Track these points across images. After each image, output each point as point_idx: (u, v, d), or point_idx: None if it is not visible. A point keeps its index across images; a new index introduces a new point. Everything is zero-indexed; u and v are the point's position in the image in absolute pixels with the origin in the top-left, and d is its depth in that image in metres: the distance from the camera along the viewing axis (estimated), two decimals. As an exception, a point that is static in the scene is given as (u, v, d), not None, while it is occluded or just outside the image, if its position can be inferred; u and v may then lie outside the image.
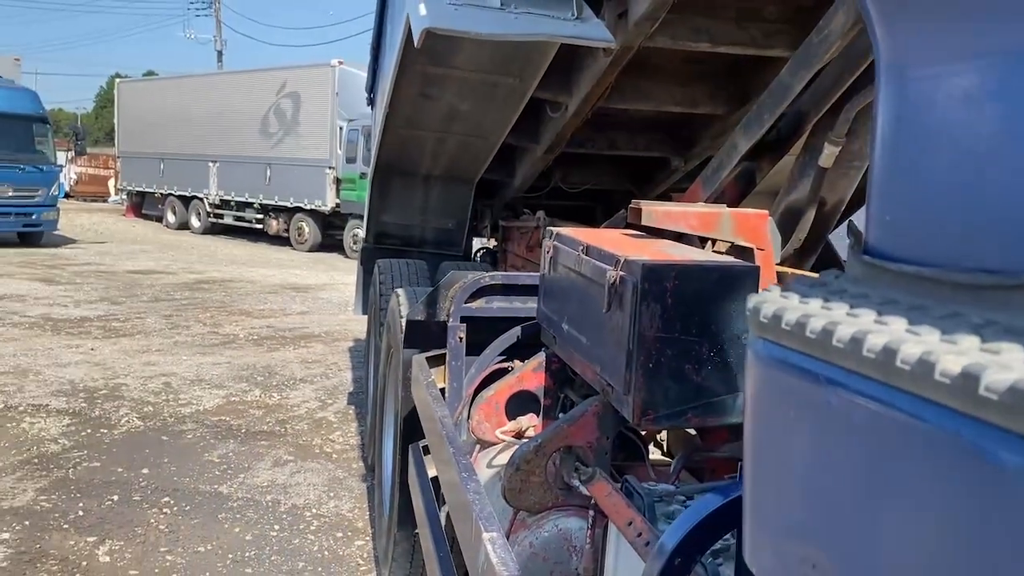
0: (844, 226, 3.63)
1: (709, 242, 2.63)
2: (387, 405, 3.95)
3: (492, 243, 6.55)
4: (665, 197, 5.72)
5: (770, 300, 0.58)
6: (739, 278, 1.94)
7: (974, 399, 0.38)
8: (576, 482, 2.09)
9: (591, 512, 1.96)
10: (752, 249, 2.50)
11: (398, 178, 5.94)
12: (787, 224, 3.13)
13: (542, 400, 2.63)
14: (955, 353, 0.40)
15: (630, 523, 1.62)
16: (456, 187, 5.88)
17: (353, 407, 6.89)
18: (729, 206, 3.24)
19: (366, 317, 6.80)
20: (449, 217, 6.07)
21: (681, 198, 3.51)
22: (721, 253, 2.62)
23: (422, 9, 3.19)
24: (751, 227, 2.51)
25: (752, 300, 0.62)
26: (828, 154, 2.98)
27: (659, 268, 1.90)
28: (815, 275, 0.67)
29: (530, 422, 2.61)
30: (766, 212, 2.56)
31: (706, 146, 5.21)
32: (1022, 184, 0.46)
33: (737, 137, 3.14)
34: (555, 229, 2.60)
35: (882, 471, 0.46)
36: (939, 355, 0.41)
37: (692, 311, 1.92)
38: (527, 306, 2.98)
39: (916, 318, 0.47)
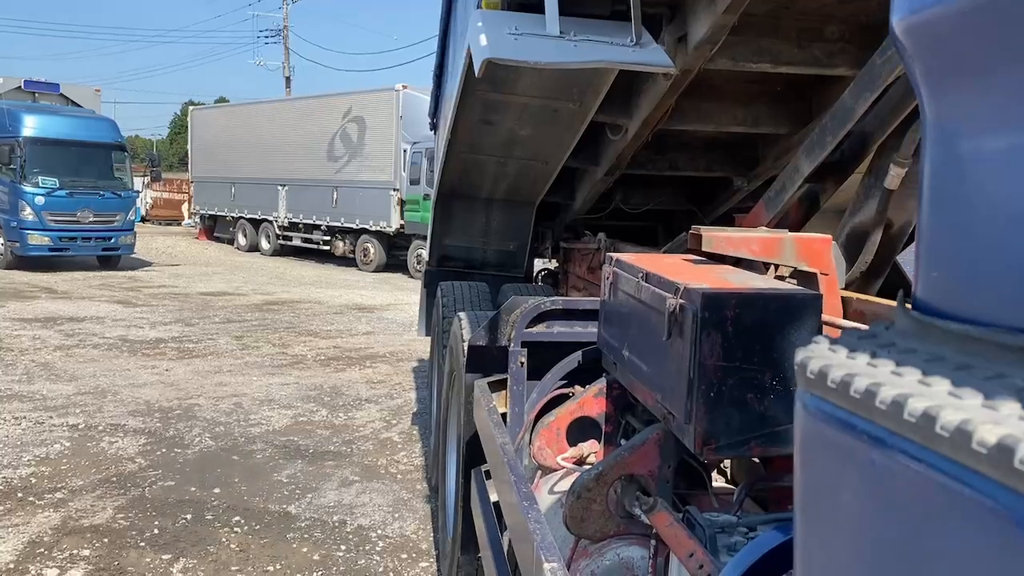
0: (911, 248, 3.55)
1: (772, 267, 2.61)
2: (450, 428, 3.99)
3: (553, 264, 6.58)
4: (728, 217, 5.67)
5: (817, 355, 0.59)
6: (801, 306, 1.92)
7: (1010, 470, 0.39)
8: (638, 511, 2.09)
9: (652, 542, 1.96)
10: (816, 274, 2.47)
11: (460, 201, 6.02)
12: (853, 247, 3.08)
13: (603, 426, 2.64)
14: (993, 422, 0.41)
15: (691, 554, 1.62)
16: (517, 210, 5.94)
17: (417, 427, 6.97)
18: (793, 228, 3.22)
19: (429, 338, 6.90)
20: (510, 240, 6.12)
21: (743, 220, 3.48)
22: (783, 278, 2.60)
23: (483, 39, 3.25)
24: (814, 252, 2.48)
25: (800, 354, 0.62)
26: (894, 175, 2.92)
27: (719, 296, 1.90)
28: (865, 327, 0.68)
29: (591, 448, 2.62)
30: (829, 237, 2.53)
31: (769, 166, 5.16)
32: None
33: (800, 159, 3.11)
34: (615, 255, 2.61)
35: (924, 533, 0.47)
36: (977, 424, 0.42)
37: (753, 339, 1.91)
38: (588, 331, 2.99)
39: (960, 379, 0.47)
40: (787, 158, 5.01)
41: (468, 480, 3.15)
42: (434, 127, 7.78)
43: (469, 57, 3.59)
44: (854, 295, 2.59)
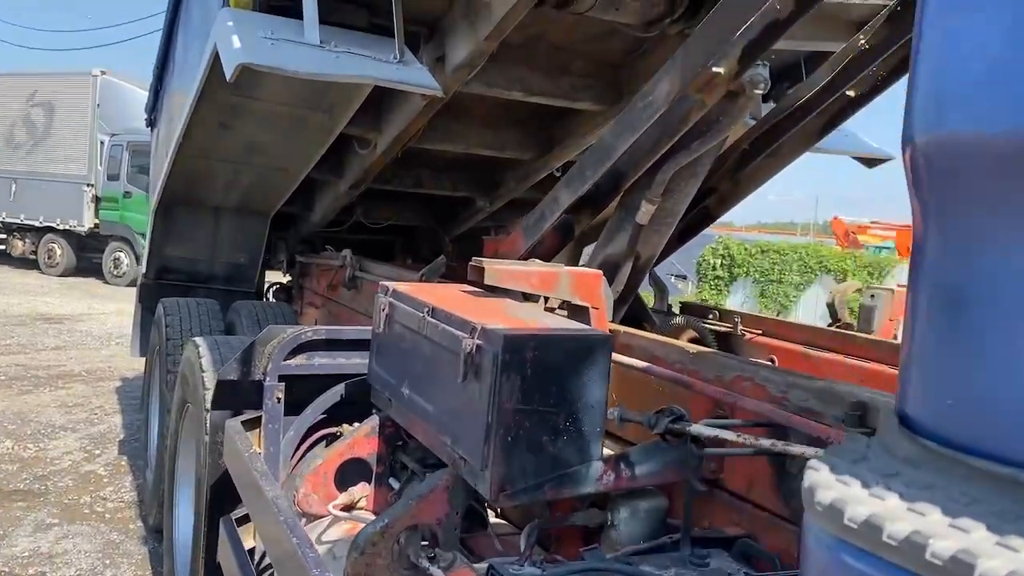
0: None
1: (542, 298, 2.63)
2: (181, 468, 3.59)
3: (287, 279, 6.24)
4: (471, 236, 5.74)
5: (826, 486, 0.54)
6: (595, 346, 1.93)
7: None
8: (424, 562, 1.98)
9: (447, 595, 1.86)
10: (587, 308, 2.53)
11: (185, 208, 5.51)
12: (605, 277, 3.22)
13: (374, 468, 2.50)
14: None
15: (504, 615, 1.54)
16: (250, 220, 5.55)
17: (126, 457, 6.26)
18: (546, 256, 3.29)
19: (141, 357, 6.23)
20: (241, 251, 5.71)
21: (501, 244, 3.50)
22: (553, 310, 2.63)
23: (236, 41, 2.97)
24: (587, 286, 2.53)
25: (808, 479, 0.57)
26: (645, 211, 3.10)
27: (519, 338, 1.85)
28: (865, 439, 0.64)
29: (362, 492, 2.46)
30: (600, 272, 2.60)
31: (511, 188, 5.30)
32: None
33: (560, 191, 3.19)
34: (390, 284, 2.49)
35: None
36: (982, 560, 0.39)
37: (550, 381, 1.88)
38: (352, 362, 2.83)
39: (994, 524, 0.45)
40: (528, 182, 5.19)
41: (214, 528, 2.83)
42: (151, 124, 7.06)
43: (215, 57, 3.26)
44: (621, 328, 2.69)
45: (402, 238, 6.48)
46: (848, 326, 3.21)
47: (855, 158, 3.93)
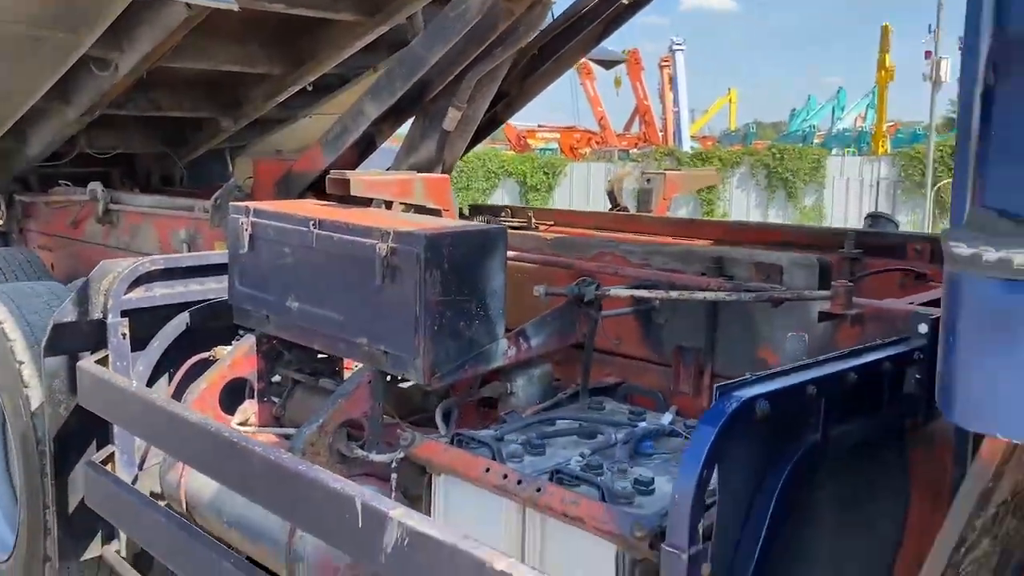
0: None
1: (394, 205, 2.79)
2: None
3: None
4: (218, 157, 5.51)
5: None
6: (495, 239, 2.18)
7: None
8: (360, 452, 2.15)
9: (394, 476, 2.05)
10: (440, 210, 2.74)
11: None
12: (415, 184, 3.41)
13: (256, 384, 2.54)
14: None
15: (487, 469, 1.79)
16: (-51, 159, 4.84)
17: None
18: (346, 168, 3.40)
19: None
20: (-61, 195, 4.97)
21: (301, 162, 3.53)
22: (408, 211, 2.79)
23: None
24: (438, 190, 2.74)
25: (958, 252, 0.88)
26: (452, 118, 3.31)
27: (438, 237, 2.05)
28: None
29: (252, 409, 2.51)
30: (447, 176, 2.81)
31: (258, 106, 5.14)
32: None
33: (364, 104, 3.28)
34: (248, 205, 2.49)
35: None
36: None
37: (464, 273, 2.11)
38: (193, 289, 2.79)
39: None
40: (275, 99, 5.08)
41: (64, 479, 2.67)
42: None
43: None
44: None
45: (120, 167, 5.99)
46: (625, 209, 3.73)
47: (594, 61, 4.41)
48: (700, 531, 1.27)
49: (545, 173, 22.45)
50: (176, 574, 2.37)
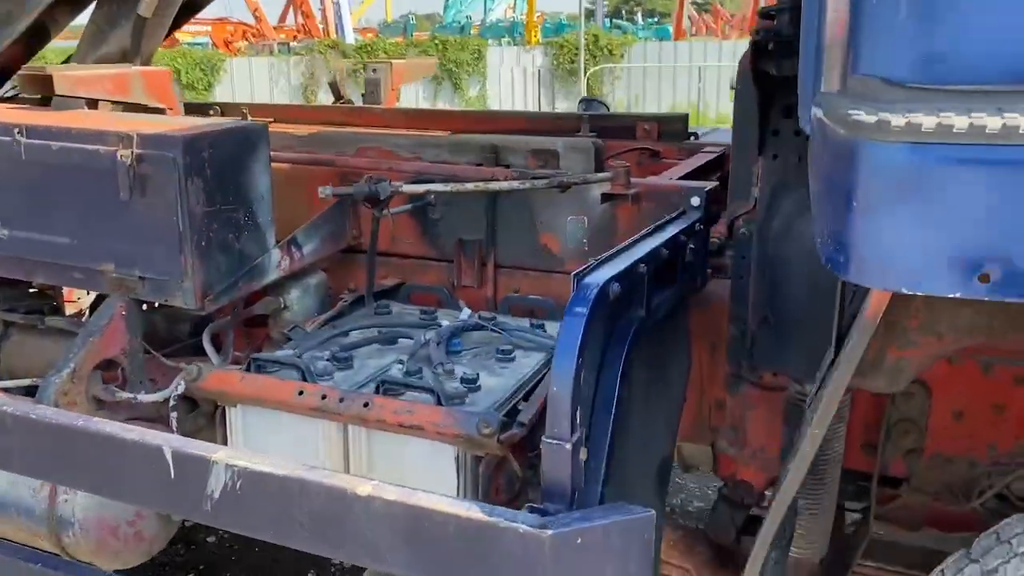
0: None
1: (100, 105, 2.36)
2: None
3: None
4: None
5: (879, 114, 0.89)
6: (257, 137, 1.94)
7: None
8: (122, 394, 1.86)
9: (174, 414, 1.80)
10: (164, 109, 2.37)
11: None
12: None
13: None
14: None
15: (300, 392, 1.63)
16: None
17: None
18: (17, 64, 2.85)
19: None
20: None
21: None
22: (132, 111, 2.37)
23: None
24: (160, 87, 2.36)
25: (858, 123, 0.90)
26: (149, 3, 2.85)
27: (196, 139, 1.77)
28: None
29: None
30: (169, 70, 2.43)
31: None
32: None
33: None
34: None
35: None
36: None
37: (227, 178, 1.87)
38: None
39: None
40: None
41: None
42: None
43: None
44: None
45: None
46: (349, 101, 3.49)
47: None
48: (578, 420, 1.26)
49: (203, 70, 20.65)
50: None
